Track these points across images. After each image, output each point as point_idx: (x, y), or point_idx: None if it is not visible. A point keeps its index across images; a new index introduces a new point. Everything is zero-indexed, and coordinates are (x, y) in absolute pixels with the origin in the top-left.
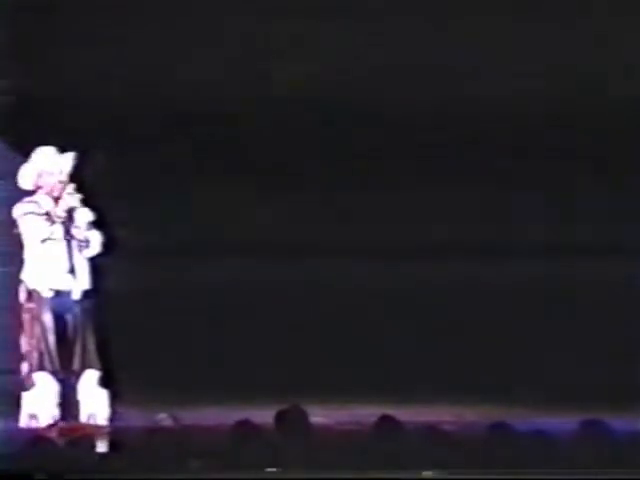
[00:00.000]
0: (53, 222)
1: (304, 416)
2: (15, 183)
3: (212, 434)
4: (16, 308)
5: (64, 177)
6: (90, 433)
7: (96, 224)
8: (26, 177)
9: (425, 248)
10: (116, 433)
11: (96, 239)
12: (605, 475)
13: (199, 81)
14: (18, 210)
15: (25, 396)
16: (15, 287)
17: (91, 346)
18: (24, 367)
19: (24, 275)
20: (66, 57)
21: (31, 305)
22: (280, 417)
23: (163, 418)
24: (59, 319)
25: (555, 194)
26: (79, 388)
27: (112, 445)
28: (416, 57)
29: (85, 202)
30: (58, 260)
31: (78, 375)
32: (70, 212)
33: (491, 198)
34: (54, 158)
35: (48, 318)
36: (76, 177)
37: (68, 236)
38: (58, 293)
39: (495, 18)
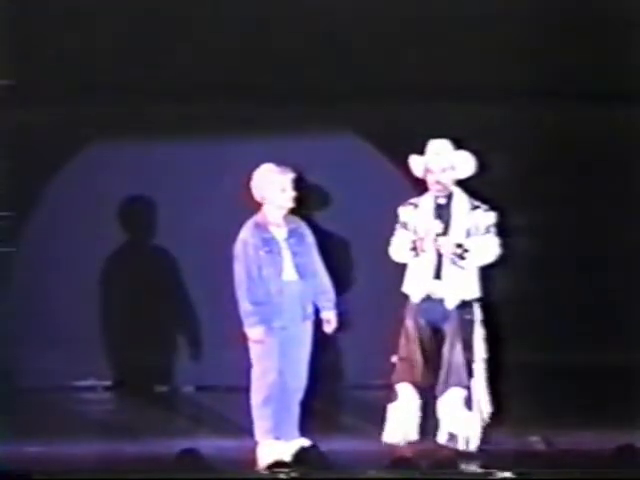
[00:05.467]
0: (427, 225)
1: None
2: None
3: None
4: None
5: (448, 178)
6: (451, 456)
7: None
8: (415, 165)
9: None
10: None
11: (484, 249)
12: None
13: None
14: (401, 213)
15: (389, 409)
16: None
17: (460, 361)
18: (392, 378)
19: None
20: None
21: (405, 310)
22: None
23: (536, 441)
24: (428, 328)
25: None
26: (440, 406)
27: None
28: None
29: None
30: (429, 265)
31: (441, 391)
32: (449, 216)
33: None
34: (444, 153)
35: (414, 325)
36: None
37: (439, 238)
38: (428, 300)
39: None
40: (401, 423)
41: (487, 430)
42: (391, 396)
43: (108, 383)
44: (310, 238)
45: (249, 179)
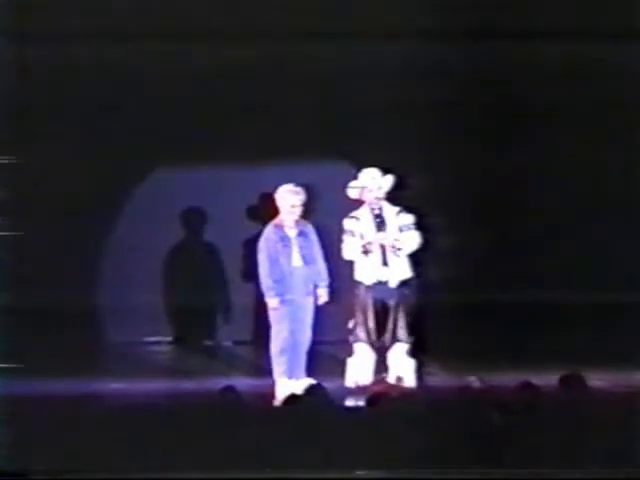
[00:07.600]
0: (370, 231)
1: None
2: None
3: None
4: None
5: (381, 194)
6: (402, 393)
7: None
8: (352, 190)
9: None
10: (425, 393)
11: (410, 241)
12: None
13: None
14: (345, 224)
15: (348, 362)
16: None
17: (401, 323)
18: (350, 339)
19: (355, 270)
20: None
21: (357, 292)
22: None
23: (473, 380)
24: (379, 303)
25: None
26: (389, 356)
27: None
28: None
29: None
30: (378, 259)
31: (390, 346)
32: (384, 221)
33: None
34: (376, 178)
35: (369, 303)
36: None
37: (383, 240)
38: (378, 283)
39: None
40: (357, 373)
41: (431, 371)
42: (349, 352)
43: (170, 339)
44: (313, 236)
45: (273, 194)
